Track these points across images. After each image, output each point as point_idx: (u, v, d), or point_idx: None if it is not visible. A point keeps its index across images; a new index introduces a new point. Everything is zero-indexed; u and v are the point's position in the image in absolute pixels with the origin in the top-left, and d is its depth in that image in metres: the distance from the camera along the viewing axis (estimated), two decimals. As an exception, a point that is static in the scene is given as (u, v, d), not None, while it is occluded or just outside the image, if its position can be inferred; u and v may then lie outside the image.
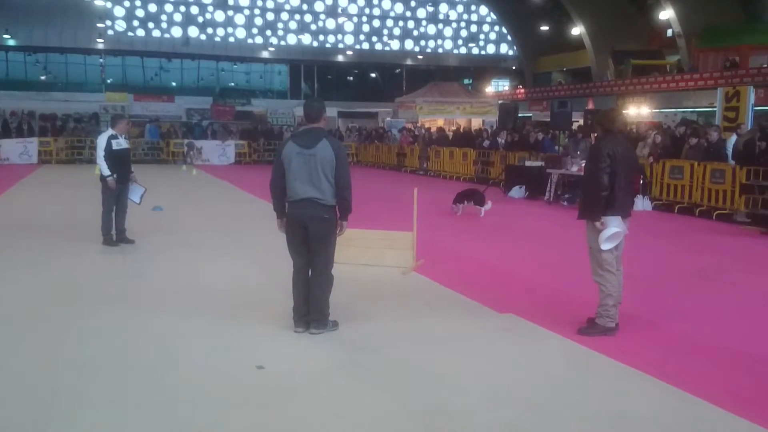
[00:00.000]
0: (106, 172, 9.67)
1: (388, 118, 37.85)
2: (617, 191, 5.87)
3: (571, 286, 7.87)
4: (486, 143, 23.80)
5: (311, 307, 5.89)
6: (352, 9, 46.31)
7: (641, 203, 14.45)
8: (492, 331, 6.17)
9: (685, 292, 7.81)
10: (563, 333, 5.99)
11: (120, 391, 4.65)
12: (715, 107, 22.36)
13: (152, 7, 42.64)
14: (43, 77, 42.82)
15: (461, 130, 29.37)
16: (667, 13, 33.63)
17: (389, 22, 47.35)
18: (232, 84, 46.64)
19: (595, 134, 6.37)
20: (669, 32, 35.56)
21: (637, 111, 30.39)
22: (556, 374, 5.12)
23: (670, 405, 4.58)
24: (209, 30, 43.69)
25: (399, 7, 47.28)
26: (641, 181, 14.89)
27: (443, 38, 48.47)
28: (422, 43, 48.04)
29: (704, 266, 9.33)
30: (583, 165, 14.88)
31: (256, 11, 44.68)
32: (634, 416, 4.39)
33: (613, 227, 5.85)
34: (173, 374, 4.98)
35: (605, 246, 5.87)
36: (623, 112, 24.53)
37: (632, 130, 20.42)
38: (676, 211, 14.93)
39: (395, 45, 47.48)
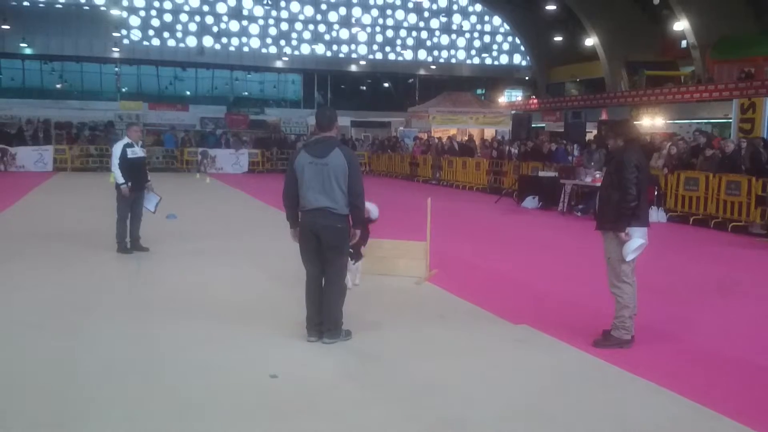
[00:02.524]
0: (121, 179, 9.72)
1: (401, 128, 37.88)
2: (642, 202, 5.86)
3: (585, 297, 7.82)
4: (494, 153, 23.69)
5: (324, 317, 5.87)
6: (366, 19, 46.49)
7: (656, 215, 14.35)
8: (506, 342, 6.13)
9: (700, 304, 7.74)
10: (578, 345, 5.94)
11: (133, 397, 4.66)
12: (730, 118, 22.27)
13: (167, 17, 43.00)
14: (58, 85, 43.21)
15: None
16: (681, 24, 33.54)
17: (402, 33, 47.50)
18: (246, 93, 46.87)
19: (609, 144, 6.31)
20: (683, 43, 35.46)
21: (652, 122, 30.29)
22: (570, 387, 5.07)
23: (687, 419, 4.54)
24: (224, 39, 43.99)
25: (412, 18, 47.44)
26: (656, 192, 14.81)
27: (456, 48, 48.56)
28: (435, 53, 48.14)
29: (720, 279, 9.25)
30: (598, 176, 14.95)
31: (271, 21, 44.95)
32: (650, 430, 4.35)
33: (639, 238, 5.83)
34: (187, 382, 4.98)
35: (630, 257, 5.84)
36: (635, 122, 24.46)
37: (647, 141, 20.32)
38: (691, 222, 14.83)
39: (408, 55, 47.61)
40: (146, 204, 10.25)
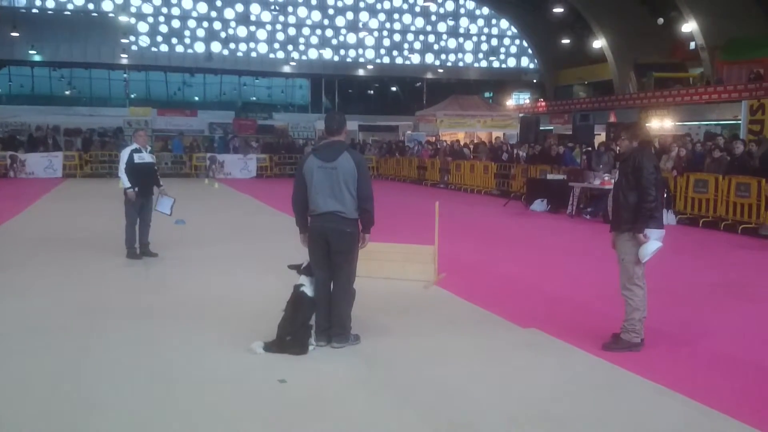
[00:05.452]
0: (126, 184, 9.77)
1: (409, 132, 37.89)
2: (658, 203, 5.88)
3: (594, 301, 7.79)
4: (505, 156, 23.73)
5: (333, 321, 5.88)
6: (373, 23, 46.51)
7: (665, 217, 14.28)
8: (515, 345, 6.11)
9: (711, 307, 7.70)
10: (587, 348, 5.92)
11: (142, 403, 4.66)
12: (739, 120, 22.16)
13: (175, 23, 43.15)
14: (67, 92, 43.42)
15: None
16: (689, 26, 33.38)
17: (410, 36, 47.49)
18: (254, 98, 46.97)
19: (623, 146, 6.32)
20: (692, 45, 35.31)
21: (660, 124, 30.16)
22: (580, 391, 5.05)
23: (698, 422, 4.51)
24: (232, 45, 44.08)
25: (419, 22, 47.42)
26: (665, 195, 14.75)
27: (464, 52, 48.52)
28: (443, 56, 48.10)
29: (730, 281, 9.21)
30: (606, 178, 14.90)
31: (278, 26, 45.05)
32: (662, 434, 4.33)
33: (656, 240, 5.82)
34: (195, 387, 4.98)
35: (646, 258, 5.84)
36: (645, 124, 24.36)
37: (655, 144, 20.25)
38: (700, 225, 14.76)
39: (416, 59, 47.58)
40: (160, 207, 10.33)
